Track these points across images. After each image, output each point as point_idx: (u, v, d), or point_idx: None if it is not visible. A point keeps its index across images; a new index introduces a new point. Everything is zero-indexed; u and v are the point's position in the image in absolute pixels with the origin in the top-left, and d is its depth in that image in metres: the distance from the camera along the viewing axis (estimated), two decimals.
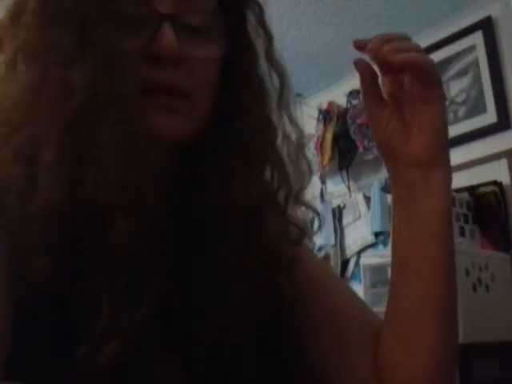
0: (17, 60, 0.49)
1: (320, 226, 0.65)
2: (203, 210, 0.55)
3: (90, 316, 0.46)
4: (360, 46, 0.54)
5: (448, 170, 0.57)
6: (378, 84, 0.57)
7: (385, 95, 0.57)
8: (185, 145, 0.55)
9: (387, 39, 0.54)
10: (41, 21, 0.49)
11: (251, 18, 0.60)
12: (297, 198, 0.61)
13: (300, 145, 0.62)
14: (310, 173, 0.63)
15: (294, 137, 0.62)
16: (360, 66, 0.55)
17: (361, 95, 0.59)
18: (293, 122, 0.62)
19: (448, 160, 0.57)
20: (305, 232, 0.62)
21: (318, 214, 0.65)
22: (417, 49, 0.54)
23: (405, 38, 0.55)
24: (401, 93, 0.56)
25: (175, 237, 0.56)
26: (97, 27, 0.47)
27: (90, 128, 0.46)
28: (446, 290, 0.56)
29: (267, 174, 0.59)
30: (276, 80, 0.61)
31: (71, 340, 0.45)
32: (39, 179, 0.45)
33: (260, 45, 0.60)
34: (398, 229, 0.58)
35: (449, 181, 0.57)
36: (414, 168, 0.56)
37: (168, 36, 0.49)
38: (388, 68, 0.54)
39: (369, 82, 0.56)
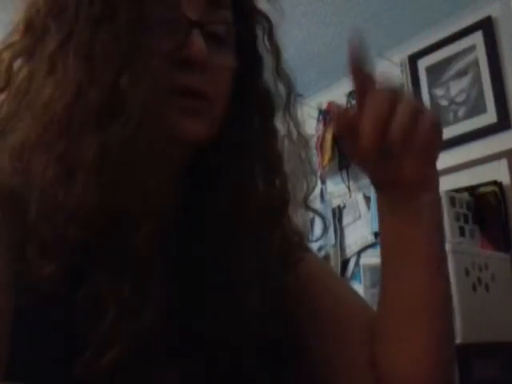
0: (58, 60, 0.48)
1: (325, 230, 0.66)
2: (216, 211, 0.56)
3: (92, 320, 0.45)
4: (354, 55, 0.52)
5: (434, 190, 0.55)
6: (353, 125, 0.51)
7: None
8: (200, 147, 0.56)
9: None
10: (82, 22, 0.48)
11: (259, 32, 0.62)
12: (304, 201, 0.63)
13: (306, 151, 0.64)
14: (316, 179, 0.65)
15: (298, 142, 0.63)
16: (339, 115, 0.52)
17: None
18: (300, 130, 0.63)
19: (435, 179, 0.55)
20: (305, 235, 0.63)
21: (323, 218, 0.66)
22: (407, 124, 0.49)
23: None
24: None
25: (177, 237, 0.56)
26: (122, 27, 0.48)
27: (124, 131, 0.46)
28: (434, 297, 0.55)
29: (276, 177, 0.60)
30: (282, 89, 0.62)
31: (72, 342, 0.45)
32: (78, 179, 0.45)
33: (268, 59, 0.62)
34: (382, 232, 0.57)
35: (437, 200, 0.56)
36: (398, 190, 0.54)
37: (198, 43, 0.51)
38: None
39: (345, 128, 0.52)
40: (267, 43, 0.62)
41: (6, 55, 0.52)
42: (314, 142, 2.97)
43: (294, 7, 2.40)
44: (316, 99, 3.06)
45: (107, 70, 0.47)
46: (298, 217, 0.63)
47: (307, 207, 0.63)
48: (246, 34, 0.60)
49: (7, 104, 0.51)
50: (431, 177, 0.54)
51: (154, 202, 0.47)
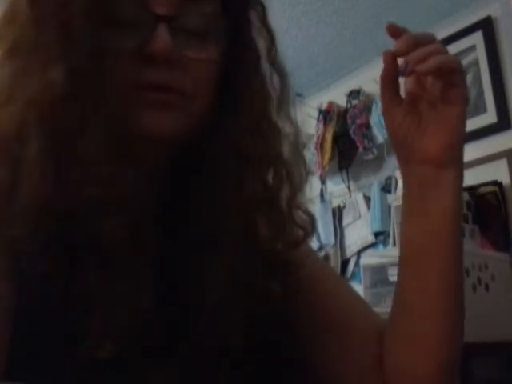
0: (5, 57, 0.50)
1: (314, 230, 0.63)
2: (195, 210, 0.55)
3: (86, 315, 0.46)
4: (393, 32, 0.54)
5: (460, 171, 0.57)
6: (397, 80, 0.56)
7: (404, 93, 0.57)
8: (183, 143, 0.55)
9: (413, 43, 0.53)
10: (28, 20, 0.50)
11: (254, 19, 0.60)
12: (295, 200, 0.60)
13: (299, 146, 0.62)
14: (307, 174, 0.62)
15: (292, 137, 0.61)
16: (387, 58, 0.55)
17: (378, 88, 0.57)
18: (292, 122, 0.61)
19: (461, 160, 0.57)
20: (307, 233, 0.61)
21: (313, 217, 0.62)
22: (442, 50, 0.53)
23: (430, 39, 0.54)
24: (421, 92, 0.56)
25: (163, 232, 0.55)
26: (82, 26, 0.48)
27: (74, 124, 0.47)
28: (452, 288, 0.57)
29: (267, 175, 0.58)
30: (277, 80, 0.60)
31: (70, 339, 0.46)
32: (25, 176, 0.46)
33: (262, 45, 0.60)
34: (404, 225, 0.58)
35: (460, 181, 0.57)
36: (426, 166, 0.56)
37: (162, 38, 0.50)
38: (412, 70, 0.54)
39: (390, 76, 0.56)
40: (261, 30, 0.60)
41: None
42: (314, 142, 2.97)
43: (293, 7, 2.39)
44: (316, 99, 3.06)
45: (43, 65, 0.48)
46: (299, 217, 0.61)
47: (298, 206, 0.61)
48: (239, 23, 0.58)
49: None
50: (454, 155, 0.57)
51: (117, 197, 0.47)
